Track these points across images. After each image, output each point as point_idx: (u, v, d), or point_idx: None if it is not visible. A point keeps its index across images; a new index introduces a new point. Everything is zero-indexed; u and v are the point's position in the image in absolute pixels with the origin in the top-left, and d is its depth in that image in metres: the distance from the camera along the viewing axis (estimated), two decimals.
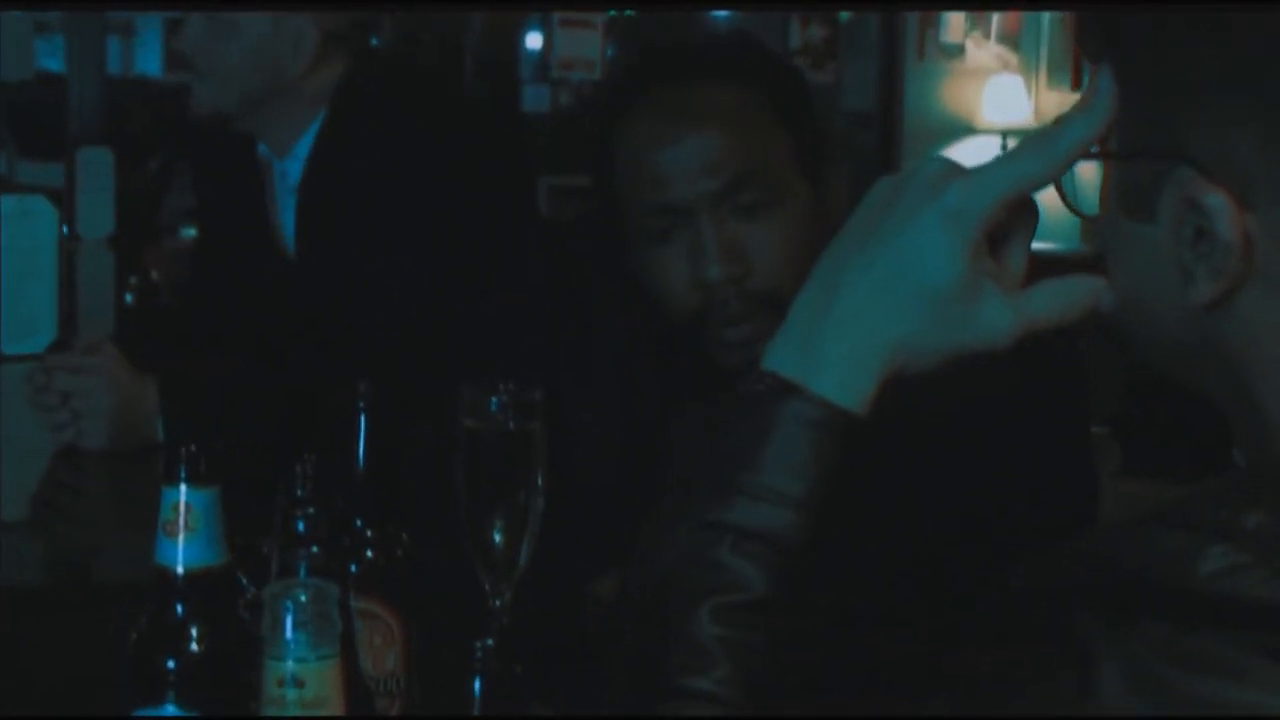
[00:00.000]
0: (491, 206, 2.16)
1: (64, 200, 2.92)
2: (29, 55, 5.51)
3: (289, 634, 0.89)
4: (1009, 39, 6.88)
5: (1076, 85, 6.64)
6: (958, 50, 6.83)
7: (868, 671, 1.27)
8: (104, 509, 2.18)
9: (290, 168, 2.26)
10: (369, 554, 1.23)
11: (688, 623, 0.91)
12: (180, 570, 1.02)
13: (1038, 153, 0.95)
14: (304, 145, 2.23)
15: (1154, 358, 0.96)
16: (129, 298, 3.49)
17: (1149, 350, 0.96)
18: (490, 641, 1.25)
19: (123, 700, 1.06)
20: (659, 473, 0.97)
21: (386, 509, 1.25)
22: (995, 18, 6.87)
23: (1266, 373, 0.88)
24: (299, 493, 1.07)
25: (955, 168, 0.96)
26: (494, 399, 1.29)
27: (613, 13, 6.89)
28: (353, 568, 1.18)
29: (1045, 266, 0.99)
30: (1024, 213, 0.98)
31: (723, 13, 6.98)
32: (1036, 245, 0.99)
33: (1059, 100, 6.71)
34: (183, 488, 1.01)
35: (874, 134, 6.91)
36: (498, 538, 1.29)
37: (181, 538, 1.01)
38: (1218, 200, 0.86)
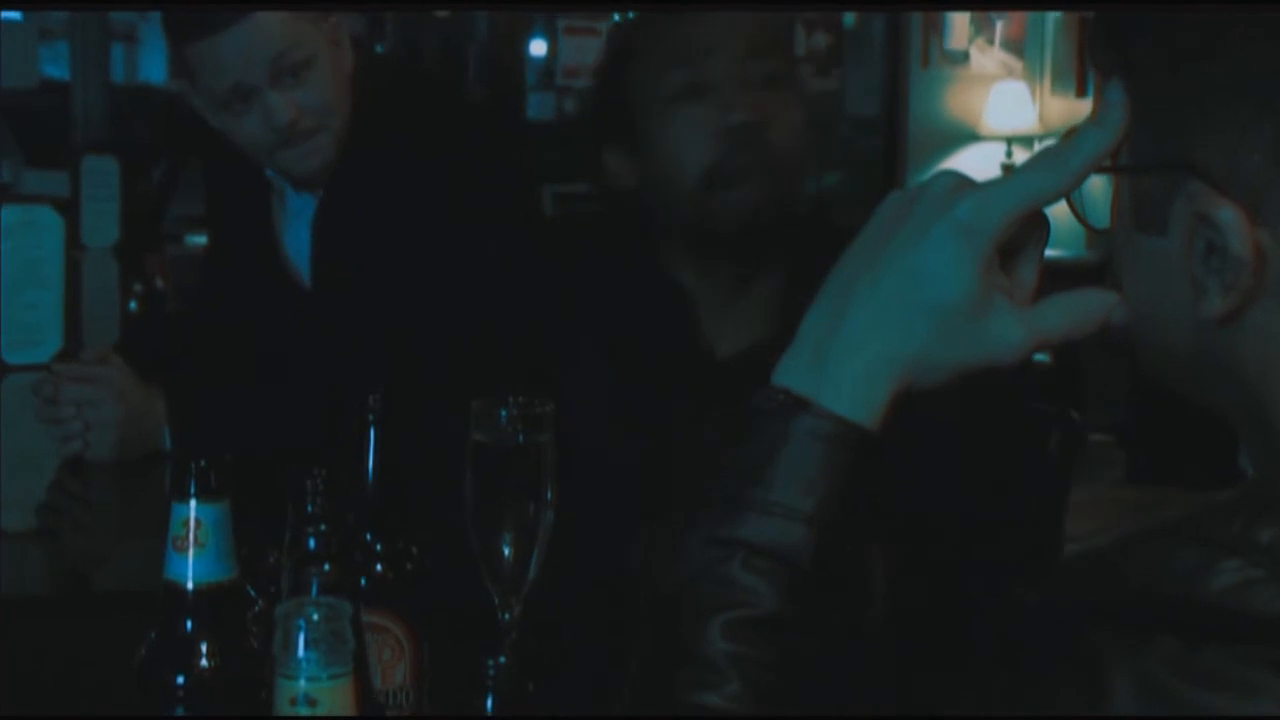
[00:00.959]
0: (502, 220, 2.15)
1: (69, 209, 2.92)
2: (34, 62, 5.52)
3: (301, 653, 0.89)
4: (1013, 46, 6.88)
5: (1081, 92, 6.64)
6: (962, 57, 6.83)
7: (878, 687, 1.27)
8: (109, 518, 2.18)
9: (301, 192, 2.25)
10: (378, 567, 1.23)
11: (698, 638, 0.91)
12: (190, 585, 1.01)
13: (1050, 168, 0.95)
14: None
15: (1164, 371, 0.96)
16: (133, 305, 3.49)
17: (1159, 363, 0.95)
18: (503, 659, 1.25)
19: (130, 713, 1.06)
20: (666, 488, 0.97)
21: (396, 522, 1.25)
22: (999, 24, 6.87)
23: (1278, 386, 0.88)
24: (310, 509, 1.07)
25: (966, 182, 0.96)
26: (503, 412, 1.29)
27: (616, 18, 6.89)
28: (362, 581, 1.18)
29: (1050, 273, 0.98)
30: (1035, 227, 0.97)
31: None
32: None
33: (1063, 107, 6.72)
34: (193, 503, 1.01)
35: (878, 140, 6.91)
36: (507, 551, 1.28)
37: (191, 553, 1.01)
38: (1229, 214, 0.86)
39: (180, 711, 1.01)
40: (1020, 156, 6.66)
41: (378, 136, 2.18)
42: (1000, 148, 6.73)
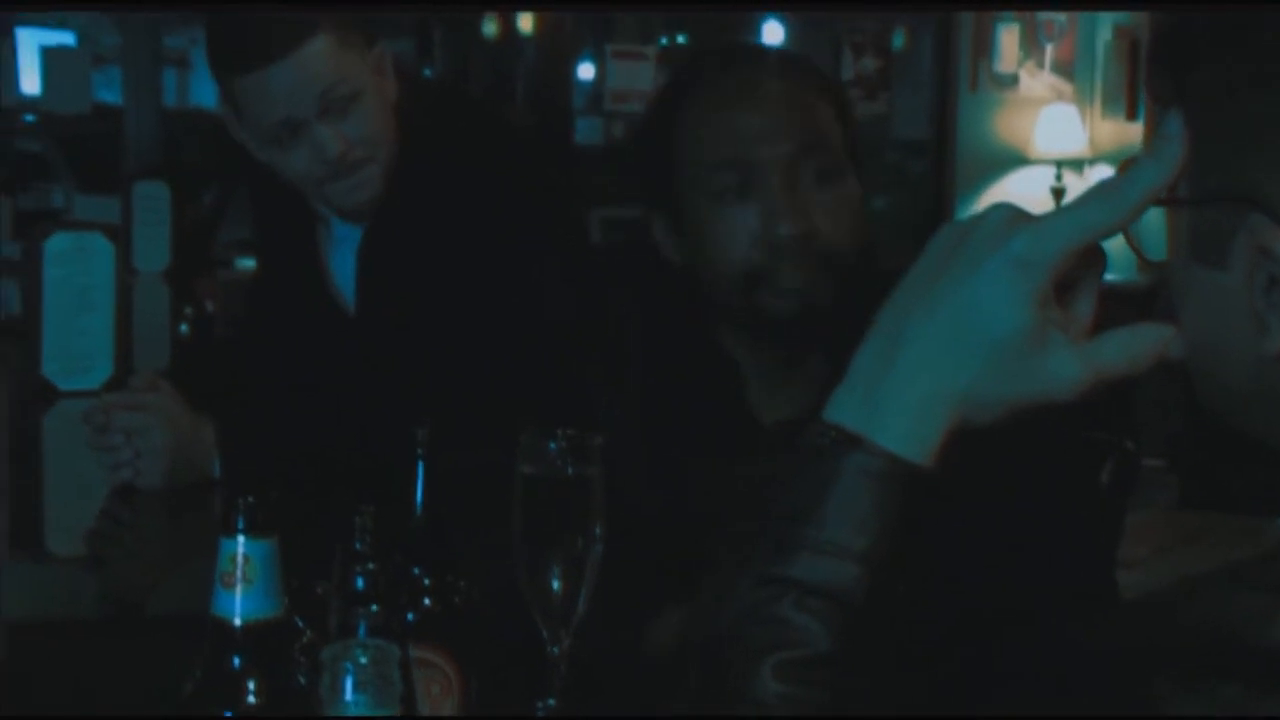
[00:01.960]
0: (548, 249, 2.15)
1: (119, 234, 2.94)
2: (87, 89, 5.57)
3: (349, 695, 0.88)
4: (1063, 69, 6.85)
5: (1131, 115, 6.60)
6: (1011, 80, 6.81)
7: None
8: (159, 544, 2.19)
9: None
10: (427, 602, 1.22)
11: (750, 679, 0.89)
12: (238, 622, 1.01)
13: (1107, 201, 0.93)
14: None
15: (1222, 404, 0.94)
16: (184, 329, 3.51)
17: (1217, 397, 0.94)
18: (552, 701, 1.24)
19: None
20: (703, 526, 0.96)
21: (444, 556, 1.24)
22: (1049, 47, 6.84)
23: None
24: (358, 546, 1.06)
25: (1021, 214, 0.94)
26: (552, 444, 1.28)
27: (664, 42, 6.90)
28: (410, 616, 1.17)
29: (1102, 297, 0.97)
30: (1091, 260, 0.96)
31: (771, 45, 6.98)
32: None
33: (1113, 130, 6.68)
34: (240, 539, 1.01)
35: (927, 164, 6.89)
36: (555, 584, 1.28)
37: (239, 589, 1.00)
38: None
39: None
40: (1070, 180, 6.62)
41: (424, 163, 2.19)
42: (1050, 171, 6.69)
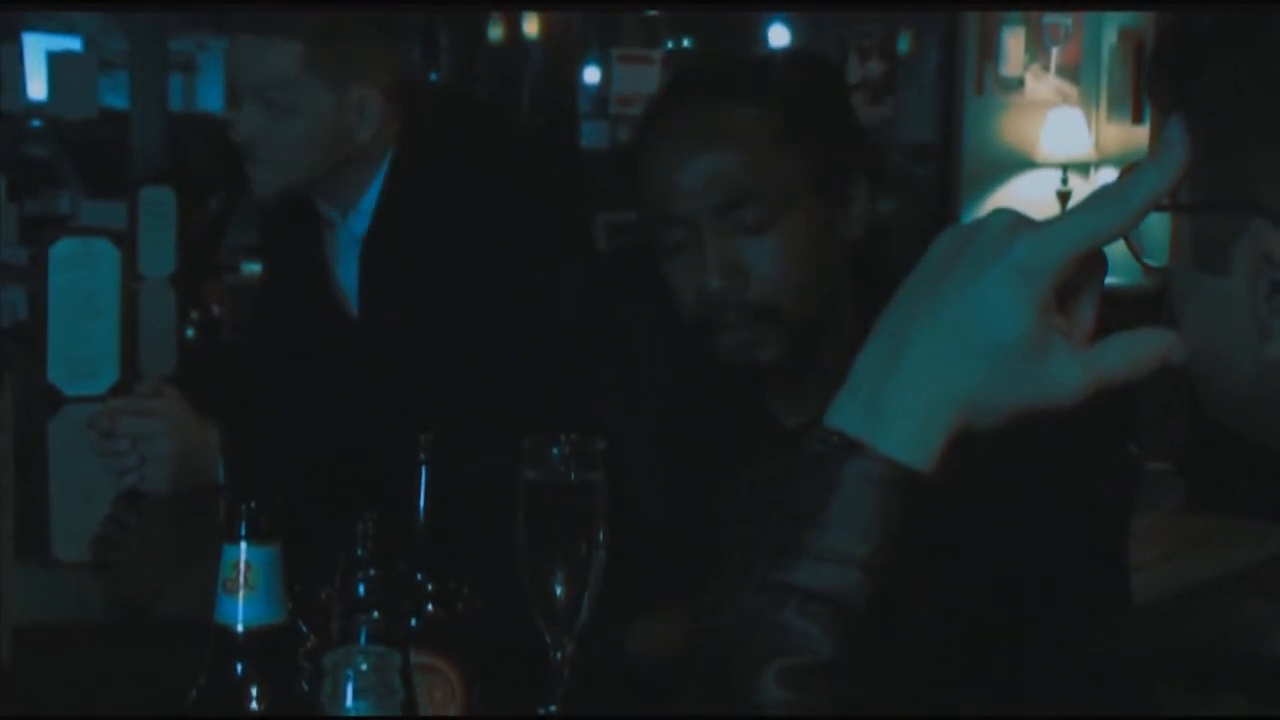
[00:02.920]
0: (557, 240, 2.16)
1: (125, 240, 2.94)
2: (93, 94, 5.58)
3: (350, 702, 0.88)
4: (1068, 72, 6.85)
5: (1137, 118, 6.60)
6: (1017, 83, 6.80)
7: None
8: (164, 550, 2.19)
9: (355, 222, 2.25)
10: (430, 608, 1.22)
11: (752, 686, 0.89)
12: (240, 628, 1.01)
13: (1108, 207, 0.93)
14: (369, 200, 2.23)
15: (1225, 410, 0.94)
16: (190, 334, 3.51)
17: (1220, 402, 0.94)
18: (553, 707, 1.24)
19: None
20: (714, 525, 0.95)
21: (447, 562, 1.24)
22: (1055, 50, 6.84)
23: None
24: (359, 553, 1.06)
25: (1023, 220, 0.94)
26: (555, 450, 1.28)
27: (670, 46, 6.90)
28: (413, 621, 1.17)
29: (1105, 301, 0.96)
30: (1093, 265, 0.96)
31: (776, 48, 6.98)
32: None
33: (1120, 133, 6.67)
34: (243, 545, 1.01)
35: (932, 168, 6.89)
36: (559, 589, 1.28)
37: (242, 595, 1.00)
38: None
39: None
40: (1076, 183, 6.62)
41: (429, 166, 2.19)
42: (1055, 175, 6.69)
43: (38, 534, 2.14)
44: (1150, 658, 0.79)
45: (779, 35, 6.89)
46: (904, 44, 6.94)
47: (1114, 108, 6.74)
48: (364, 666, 0.88)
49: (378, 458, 1.52)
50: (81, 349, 2.71)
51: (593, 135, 6.72)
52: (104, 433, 2.17)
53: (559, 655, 1.29)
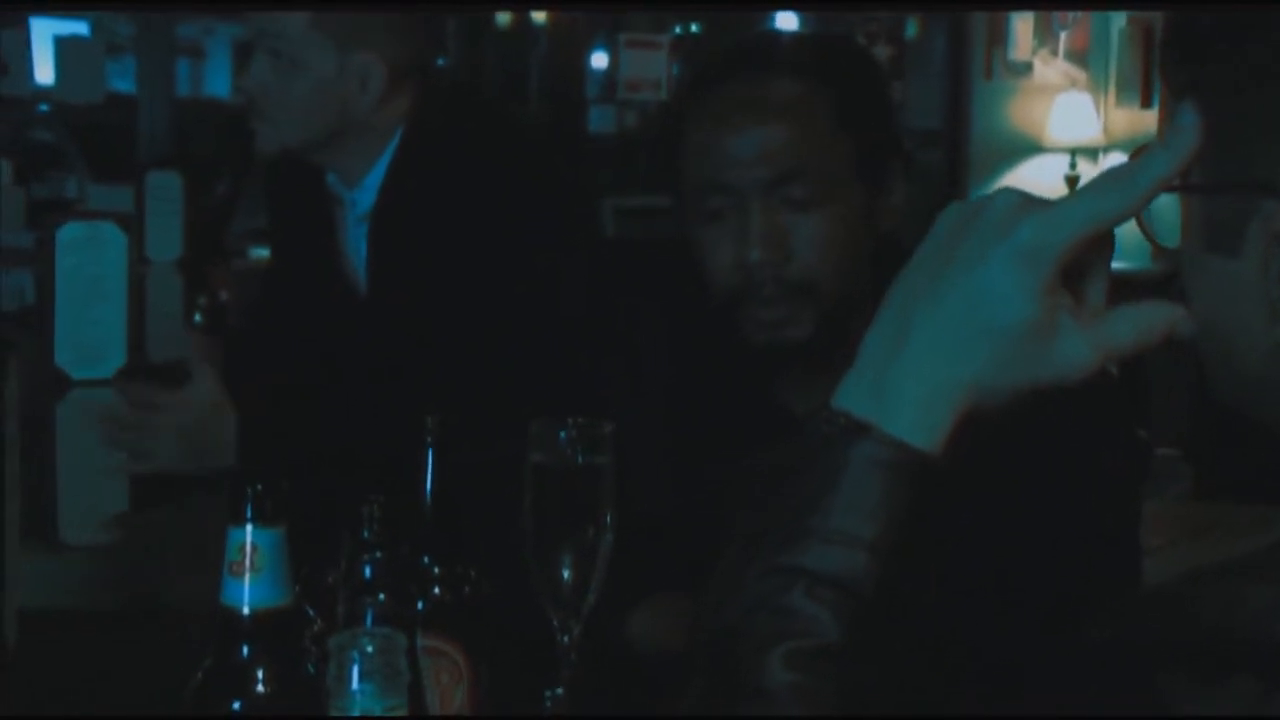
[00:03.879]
0: (560, 233, 2.15)
1: (132, 224, 2.94)
2: (100, 78, 5.58)
3: (355, 685, 0.88)
4: (1077, 56, 6.83)
5: (1146, 103, 6.58)
6: (1025, 68, 6.78)
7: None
8: (175, 534, 2.19)
9: (361, 198, 2.25)
10: (436, 591, 1.22)
11: (759, 669, 0.89)
12: (246, 611, 1.01)
13: (1115, 189, 0.92)
14: (375, 176, 2.23)
15: (1234, 393, 0.93)
16: (197, 319, 3.51)
17: (1229, 385, 0.93)
18: (560, 691, 1.24)
19: None
20: (721, 514, 0.95)
21: (454, 545, 1.24)
22: (1063, 35, 6.82)
23: None
24: (366, 535, 1.06)
25: (1028, 201, 0.93)
26: (562, 433, 1.28)
27: (678, 32, 6.89)
28: (420, 605, 1.17)
29: (1116, 285, 0.96)
30: (1101, 245, 0.95)
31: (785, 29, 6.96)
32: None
33: (1128, 118, 6.66)
34: (249, 527, 1.00)
35: (940, 153, 6.87)
36: (566, 574, 1.27)
37: (248, 578, 1.00)
38: None
39: None
40: (1084, 168, 6.60)
41: (434, 147, 2.19)
42: (1064, 159, 6.67)
43: (44, 518, 2.14)
44: (1155, 642, 0.79)
45: (787, 20, 6.88)
46: (912, 29, 6.92)
47: (1122, 92, 6.73)
48: (370, 648, 0.88)
49: (385, 440, 1.52)
50: (88, 333, 2.71)
51: (600, 120, 6.71)
52: (115, 414, 2.15)
53: (565, 639, 1.28)
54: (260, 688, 1.02)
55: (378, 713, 0.88)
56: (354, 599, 1.00)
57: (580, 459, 1.28)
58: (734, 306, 1.59)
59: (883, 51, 6.76)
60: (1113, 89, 6.79)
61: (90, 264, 2.73)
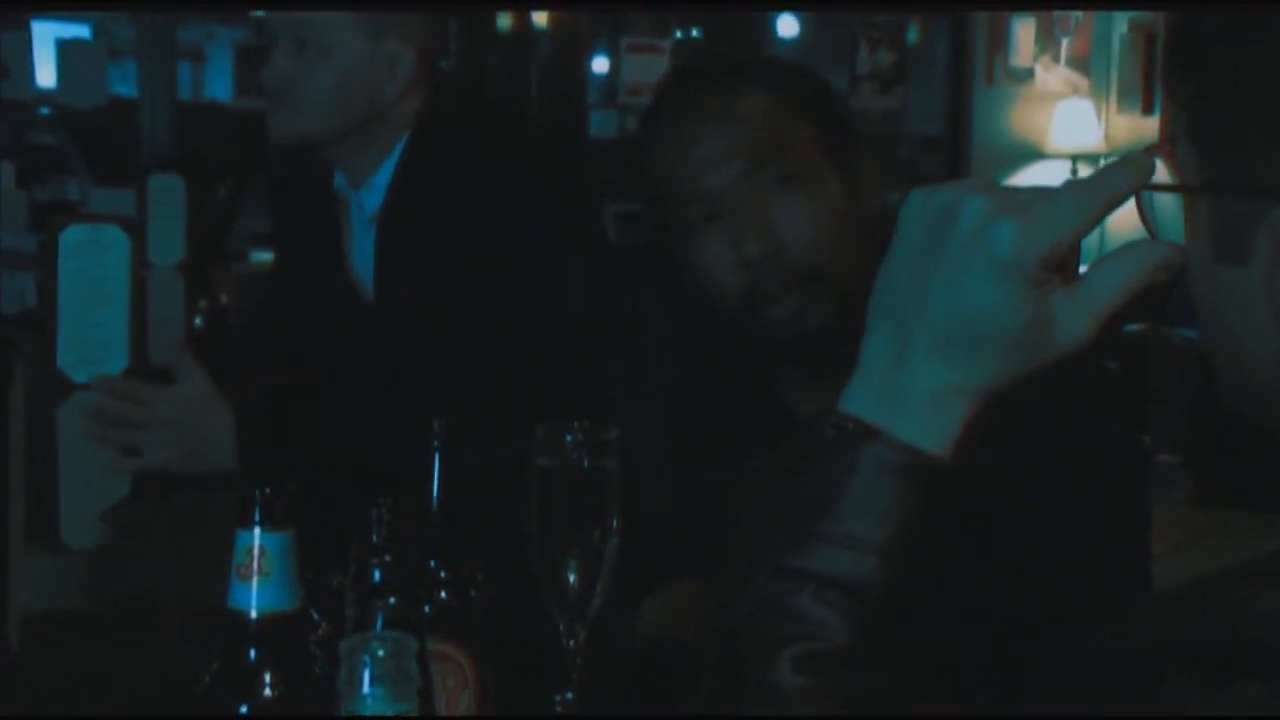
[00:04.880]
0: (567, 234, 2.15)
1: (135, 227, 2.94)
2: (102, 82, 5.58)
3: (366, 688, 0.88)
4: (1079, 63, 6.83)
5: (1148, 109, 6.58)
6: (1027, 75, 6.79)
7: None
8: (174, 536, 2.19)
9: (367, 198, 2.25)
10: (443, 595, 1.22)
11: (768, 673, 0.89)
12: (254, 614, 1.01)
13: (1090, 196, 0.92)
14: (382, 175, 2.22)
15: (1241, 399, 0.93)
16: (199, 322, 3.52)
17: (1237, 392, 0.93)
18: (570, 695, 1.24)
19: None
20: (725, 515, 0.95)
21: (461, 549, 1.24)
22: (1065, 41, 6.82)
23: None
24: (374, 539, 1.06)
25: (1000, 205, 0.92)
26: (568, 437, 1.28)
27: (679, 36, 6.89)
28: (426, 609, 1.17)
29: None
30: None
31: (785, 38, 6.98)
32: None
33: (1130, 125, 6.66)
34: (257, 530, 1.00)
35: (941, 159, 6.87)
36: (571, 577, 1.27)
37: (255, 581, 1.00)
38: None
39: None
40: (1085, 175, 6.59)
41: (441, 147, 2.19)
42: (1065, 166, 6.67)
43: (47, 521, 2.14)
44: (1161, 649, 0.79)
45: (788, 25, 6.89)
46: (913, 35, 6.92)
47: (1124, 99, 6.73)
48: (381, 652, 0.88)
49: (391, 444, 1.52)
50: (90, 336, 2.71)
51: (601, 125, 6.72)
52: (112, 413, 2.14)
53: (571, 643, 1.28)
54: (267, 692, 1.02)
55: (389, 716, 0.88)
56: (364, 603, 1.00)
57: (586, 463, 1.28)
58: (746, 309, 1.59)
59: (884, 58, 6.76)
60: (1114, 95, 6.79)
61: (93, 267, 2.73)
